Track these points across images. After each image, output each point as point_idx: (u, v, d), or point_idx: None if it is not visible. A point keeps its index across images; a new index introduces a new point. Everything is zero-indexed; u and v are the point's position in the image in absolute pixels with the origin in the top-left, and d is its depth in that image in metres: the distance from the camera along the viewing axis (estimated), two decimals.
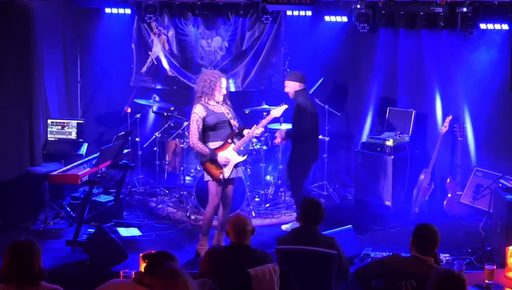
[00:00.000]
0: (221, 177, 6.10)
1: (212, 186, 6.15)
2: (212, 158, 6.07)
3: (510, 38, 7.48)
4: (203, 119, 6.10)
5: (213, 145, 6.15)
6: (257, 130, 6.25)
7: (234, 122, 6.26)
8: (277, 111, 6.38)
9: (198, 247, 6.33)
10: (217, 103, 6.20)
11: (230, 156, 6.15)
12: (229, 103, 6.34)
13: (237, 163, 6.22)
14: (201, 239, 6.34)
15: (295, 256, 4.55)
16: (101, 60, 8.78)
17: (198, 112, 6.10)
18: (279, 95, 8.69)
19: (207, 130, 6.16)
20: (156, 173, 8.37)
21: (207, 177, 6.18)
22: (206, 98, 6.15)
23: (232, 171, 6.19)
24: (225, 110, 6.23)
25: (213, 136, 6.17)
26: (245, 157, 6.34)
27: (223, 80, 6.22)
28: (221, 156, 6.09)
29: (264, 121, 6.47)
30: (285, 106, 6.44)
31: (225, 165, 6.12)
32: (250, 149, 7.78)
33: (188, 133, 6.36)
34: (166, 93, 8.97)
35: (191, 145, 6.17)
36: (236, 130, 6.28)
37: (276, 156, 8.17)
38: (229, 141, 6.20)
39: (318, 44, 8.75)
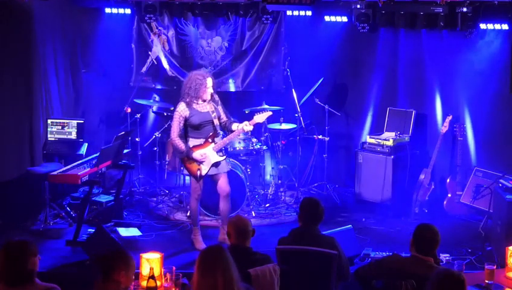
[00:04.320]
0: (198, 173, 6.31)
1: (193, 181, 6.42)
2: (187, 155, 6.27)
3: (510, 38, 7.48)
4: (186, 118, 6.29)
5: (195, 141, 6.35)
6: (244, 128, 6.35)
7: (217, 122, 6.40)
8: (260, 117, 6.47)
9: (192, 237, 6.61)
10: (204, 101, 6.34)
11: (208, 154, 6.32)
12: (216, 98, 6.47)
13: (215, 162, 6.37)
14: (194, 229, 6.62)
15: (295, 256, 4.55)
16: (101, 60, 8.77)
17: (180, 110, 6.29)
18: (279, 95, 8.73)
19: (190, 128, 6.34)
20: (156, 173, 8.37)
21: (186, 172, 6.47)
22: (192, 99, 6.28)
23: (210, 169, 6.36)
24: (210, 109, 6.37)
25: (196, 133, 6.37)
26: (223, 157, 6.47)
27: (209, 80, 6.33)
28: (197, 153, 6.29)
29: (246, 127, 6.38)
30: (269, 113, 6.60)
31: (202, 162, 6.29)
32: (250, 149, 7.78)
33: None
34: (166, 93, 8.96)
35: (170, 141, 6.42)
36: (219, 132, 6.46)
37: (276, 156, 8.17)
38: (209, 140, 6.36)
39: (318, 44, 8.74)
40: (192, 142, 6.34)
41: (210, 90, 6.33)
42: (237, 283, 3.51)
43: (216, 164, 6.38)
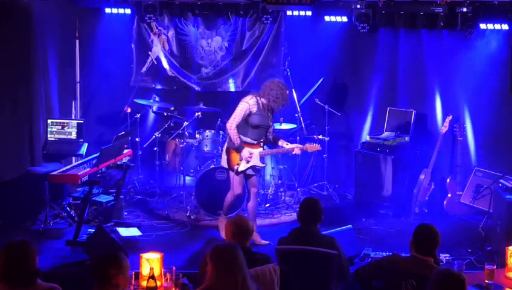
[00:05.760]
0: (236, 167, 6.40)
1: (236, 178, 6.48)
2: (238, 148, 6.36)
3: (510, 38, 7.49)
4: (250, 113, 6.34)
5: (246, 139, 6.43)
6: (294, 150, 6.55)
7: (270, 130, 6.55)
8: (310, 147, 6.69)
9: (218, 223, 6.82)
10: (270, 110, 6.46)
11: (254, 155, 6.43)
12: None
13: (255, 166, 6.47)
14: (222, 216, 6.80)
15: (295, 256, 4.56)
16: (101, 60, 8.77)
17: (250, 103, 6.36)
18: None
19: (247, 124, 6.39)
20: (156, 173, 8.37)
21: (224, 163, 6.52)
22: (265, 101, 6.36)
23: (247, 169, 6.45)
24: (270, 116, 6.49)
25: (250, 132, 6.43)
26: (263, 165, 6.63)
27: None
28: (246, 150, 6.39)
29: (296, 149, 6.59)
30: (319, 147, 6.81)
31: (247, 161, 6.39)
32: None
33: (229, 120, 6.47)
34: (166, 93, 8.96)
35: (227, 126, 6.40)
36: (271, 139, 6.59)
37: (276, 156, 8.16)
38: (260, 144, 6.49)
39: (318, 44, 8.74)
40: (243, 138, 6.43)
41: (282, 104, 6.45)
42: (250, 281, 3.55)
43: (254, 168, 6.48)
